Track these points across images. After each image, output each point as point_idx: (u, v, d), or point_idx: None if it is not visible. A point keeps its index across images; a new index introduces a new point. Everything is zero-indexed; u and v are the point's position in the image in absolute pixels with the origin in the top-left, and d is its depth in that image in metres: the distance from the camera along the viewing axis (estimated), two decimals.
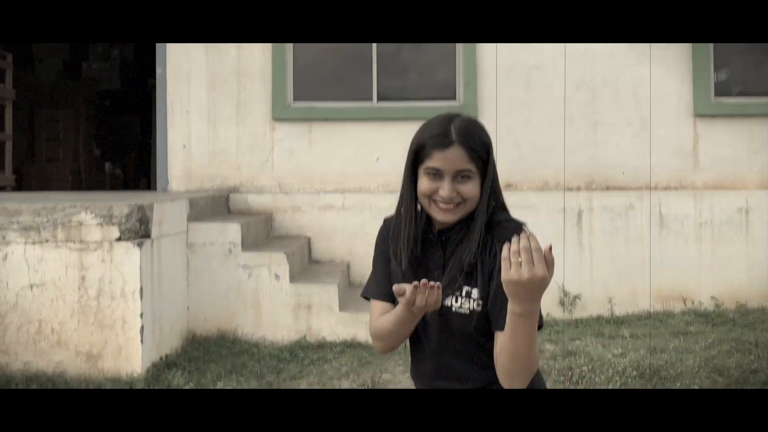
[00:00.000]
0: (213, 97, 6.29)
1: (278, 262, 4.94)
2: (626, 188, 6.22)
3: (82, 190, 8.62)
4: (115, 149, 10.62)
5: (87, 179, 9.37)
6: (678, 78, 6.24)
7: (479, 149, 1.54)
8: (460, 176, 1.51)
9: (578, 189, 6.21)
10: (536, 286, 1.34)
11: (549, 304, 6.05)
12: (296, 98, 6.29)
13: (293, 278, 5.00)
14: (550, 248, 1.34)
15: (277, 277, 4.93)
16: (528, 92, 6.24)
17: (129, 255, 4.07)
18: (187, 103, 6.29)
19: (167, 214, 4.55)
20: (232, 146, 6.29)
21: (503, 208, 1.65)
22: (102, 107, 10.43)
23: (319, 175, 6.21)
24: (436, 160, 1.52)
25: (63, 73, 10.50)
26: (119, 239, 4.09)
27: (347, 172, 6.21)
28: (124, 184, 10.31)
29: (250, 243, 5.20)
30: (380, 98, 6.25)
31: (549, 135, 6.23)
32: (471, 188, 1.52)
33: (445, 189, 1.48)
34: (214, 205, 5.75)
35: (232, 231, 4.95)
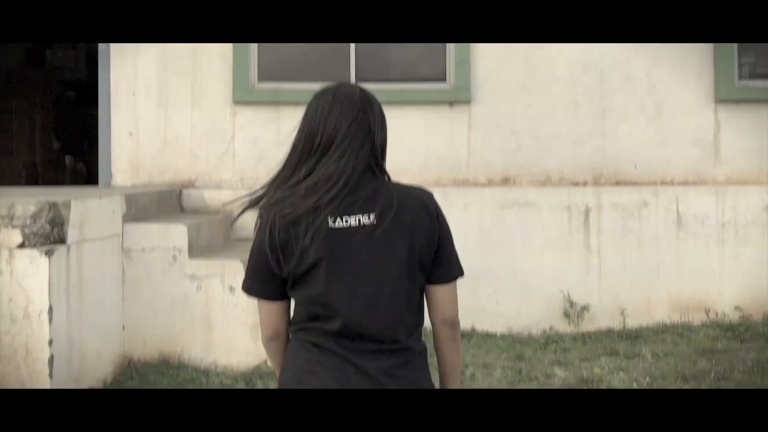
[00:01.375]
0: (164, 77, 5.36)
1: (233, 271, 4.05)
2: (639, 183, 5.42)
3: (38, 185, 7.67)
4: (77, 142, 9.68)
5: (44, 174, 8.41)
6: (697, 58, 5.43)
7: None
8: None
9: (585, 184, 5.39)
10: None
11: (553, 317, 5.22)
12: (261, 78, 5.39)
13: None
14: None
15: (231, 289, 4.04)
16: (528, 73, 5.40)
17: (35, 266, 3.15)
18: (134, 83, 5.36)
19: (92, 213, 3.64)
20: (187, 134, 5.37)
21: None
22: (63, 98, 9.51)
23: None
24: None
25: (25, 61, 9.60)
26: (22, 246, 3.17)
27: None
28: (87, 179, 9.37)
29: (201, 248, 4.31)
30: (359, 79, 5.37)
31: (552, 122, 5.40)
32: None
33: None
34: (163, 203, 4.85)
35: (176, 234, 4.05)
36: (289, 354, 1.43)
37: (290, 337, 1.46)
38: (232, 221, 1.71)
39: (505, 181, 5.36)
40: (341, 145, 1.42)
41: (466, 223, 5.27)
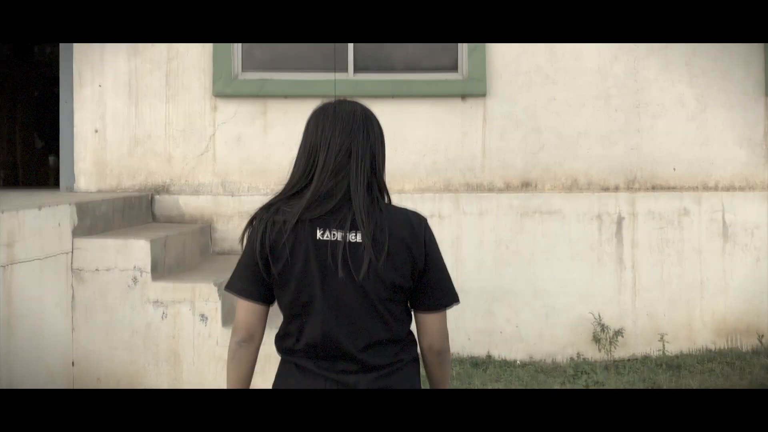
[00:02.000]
0: (135, 65, 4.67)
1: (206, 296, 3.36)
2: (678, 188, 4.72)
3: (17, 187, 6.97)
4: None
5: (25, 175, 7.68)
6: (744, 45, 4.74)
7: None
8: None
9: (617, 189, 4.69)
10: None
11: (581, 342, 4.53)
12: (246, 68, 4.70)
13: (229, 318, 3.43)
14: None
15: (203, 318, 3.35)
16: (552, 62, 4.70)
17: None
18: (101, 72, 4.67)
19: (27, 228, 2.95)
20: (160, 131, 4.69)
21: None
22: (49, 94, 8.82)
23: (276, 171, 4.64)
24: None
25: (10, 56, 8.91)
26: None
27: None
28: None
29: (170, 267, 3.62)
30: (358, 69, 4.69)
31: (579, 118, 4.70)
32: None
33: None
34: (130, 212, 4.16)
35: (137, 250, 3.35)
36: (277, 378, 1.46)
37: (280, 360, 1.47)
38: (241, 237, 1.54)
39: (526, 186, 4.66)
40: (341, 163, 1.42)
41: (481, 233, 4.57)
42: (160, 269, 3.48)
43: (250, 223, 1.43)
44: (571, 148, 4.68)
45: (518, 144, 4.67)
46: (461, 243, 4.55)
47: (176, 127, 4.67)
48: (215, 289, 3.35)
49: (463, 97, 4.65)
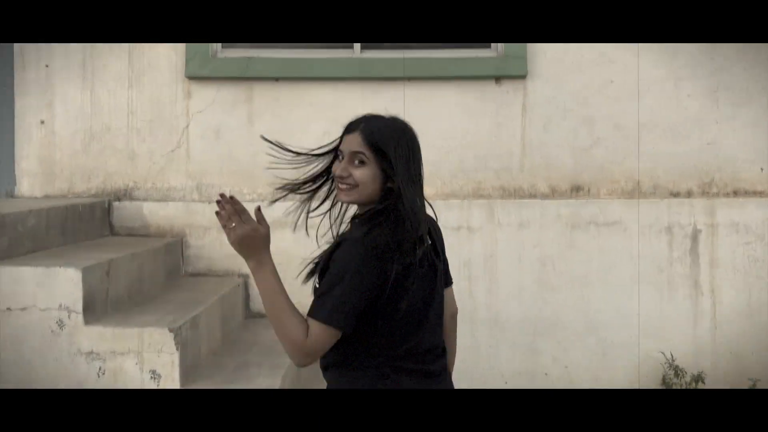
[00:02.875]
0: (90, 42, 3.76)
1: (158, 345, 2.44)
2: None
3: None
4: None
5: None
6: None
7: (377, 138, 1.44)
8: (356, 160, 1.45)
9: (690, 194, 3.74)
10: (246, 242, 1.41)
11: (647, 386, 3.59)
12: (226, 43, 3.79)
13: (191, 374, 2.51)
14: (258, 208, 1.43)
15: (154, 375, 2.43)
16: None
17: None
18: (48, 50, 3.76)
19: None
20: (122, 123, 3.77)
21: (412, 208, 1.40)
22: None
23: (264, 171, 3.73)
24: (342, 143, 1.51)
25: None
26: None
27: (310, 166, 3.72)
28: None
29: (118, 301, 2.71)
30: (366, 45, 3.76)
31: (642, 105, 3.74)
32: (362, 174, 1.44)
33: (338, 167, 1.48)
34: (78, 224, 3.25)
35: (64, 283, 2.44)
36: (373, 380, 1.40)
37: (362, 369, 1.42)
38: (363, 263, 1.33)
39: (576, 190, 3.72)
40: (418, 181, 1.50)
41: (521, 250, 3.63)
42: (100, 307, 2.57)
43: (382, 256, 1.32)
44: (632, 143, 3.73)
45: (566, 138, 3.72)
46: (496, 262, 3.61)
47: (141, 117, 3.75)
48: (171, 336, 2.43)
49: (498, 79, 3.71)
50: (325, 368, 1.46)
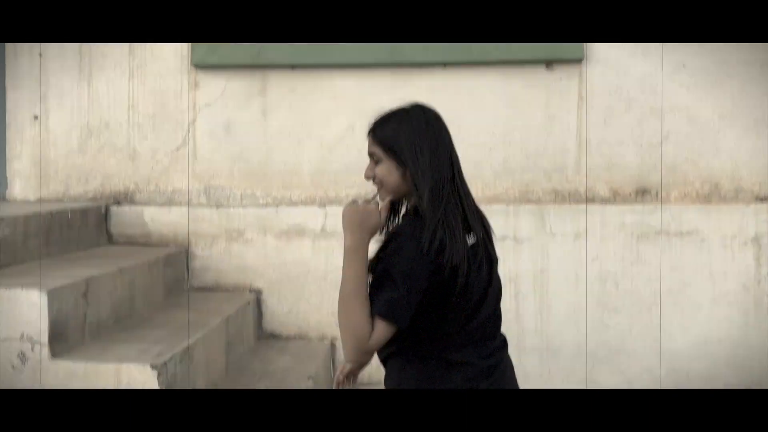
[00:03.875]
0: None
1: (136, 386, 1.99)
2: None
3: None
4: None
5: None
6: None
7: (379, 132, 1.44)
8: (373, 160, 1.44)
9: None
10: (364, 218, 1.34)
11: None
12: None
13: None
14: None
15: None
16: None
17: None
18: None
19: None
20: (122, 118, 3.36)
21: (431, 204, 1.34)
22: None
23: (280, 172, 3.27)
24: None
25: None
26: None
27: (334, 166, 3.25)
28: None
29: (99, 325, 2.26)
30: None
31: (721, 92, 3.17)
32: (380, 170, 1.43)
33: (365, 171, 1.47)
34: (67, 233, 2.83)
35: (26, 309, 2.01)
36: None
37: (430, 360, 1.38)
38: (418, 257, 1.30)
39: (643, 194, 3.16)
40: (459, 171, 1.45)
41: (578, 264, 3.09)
42: (75, 336, 2.13)
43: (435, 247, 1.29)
44: (709, 138, 3.15)
45: (631, 132, 3.15)
46: (548, 278, 3.07)
47: (143, 111, 3.33)
48: (153, 374, 1.97)
49: (549, 63, 3.17)
50: (384, 360, 1.42)
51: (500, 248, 3.14)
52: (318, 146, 3.23)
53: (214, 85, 3.27)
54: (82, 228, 2.99)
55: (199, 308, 2.82)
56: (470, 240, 1.35)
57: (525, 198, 3.16)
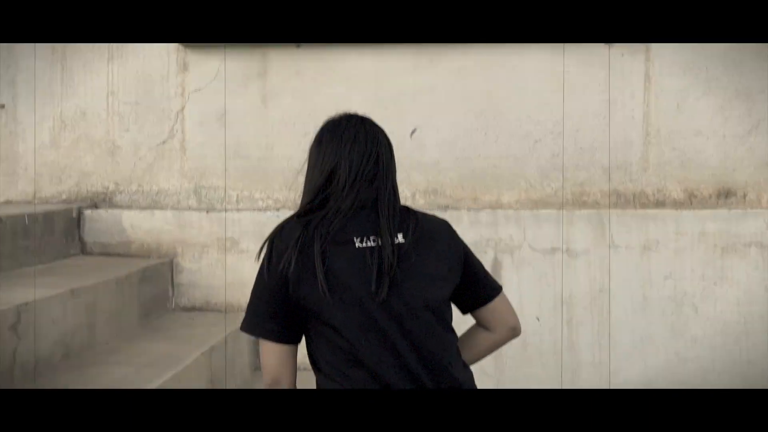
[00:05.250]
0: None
1: None
2: None
3: None
4: None
5: None
6: None
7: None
8: None
9: None
10: None
11: None
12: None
13: None
14: None
15: None
16: None
17: None
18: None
19: None
20: (100, 106, 2.85)
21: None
22: None
23: (284, 170, 2.72)
24: None
25: None
26: None
27: None
28: None
29: (40, 363, 1.74)
30: None
31: None
32: None
33: None
34: (23, 242, 2.33)
35: None
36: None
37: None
38: (265, 266, 1.11)
39: (726, 197, 2.53)
40: (371, 171, 1.19)
41: (646, 283, 2.47)
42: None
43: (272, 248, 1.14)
44: None
45: (710, 120, 2.54)
46: (609, 301, 2.47)
47: (123, 98, 2.81)
48: None
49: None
50: None
51: (548, 263, 2.58)
52: None
53: (206, 66, 2.74)
54: (46, 236, 2.48)
55: (181, 336, 2.29)
56: (365, 243, 1.12)
57: (579, 201, 2.56)
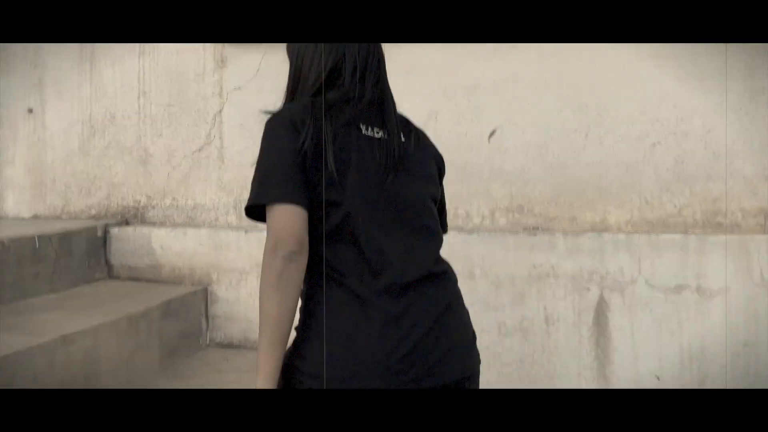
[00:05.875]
0: None
1: None
2: None
3: None
4: None
5: None
6: None
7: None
8: None
9: None
10: None
11: None
12: None
13: None
14: None
15: None
16: None
17: None
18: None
19: None
20: (131, 108, 2.51)
21: None
22: None
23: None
24: None
25: None
26: None
27: None
28: None
29: None
30: None
31: None
32: None
33: None
34: (30, 267, 1.99)
35: None
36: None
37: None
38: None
39: None
40: (368, 77, 1.11)
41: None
42: None
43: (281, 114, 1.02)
44: None
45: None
46: (759, 356, 1.85)
47: (156, 99, 2.45)
48: None
49: None
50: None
51: (673, 305, 1.82)
52: None
53: (247, 61, 2.33)
54: (62, 259, 2.14)
55: (210, 381, 1.88)
56: (369, 132, 1.04)
57: (713, 223, 1.96)
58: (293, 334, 0.97)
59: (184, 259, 2.31)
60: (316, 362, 0.92)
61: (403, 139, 1.07)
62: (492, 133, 2.12)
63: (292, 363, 0.95)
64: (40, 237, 2.03)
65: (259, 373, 0.92)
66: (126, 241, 2.35)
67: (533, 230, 2.03)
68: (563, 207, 2.04)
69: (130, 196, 2.47)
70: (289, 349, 0.95)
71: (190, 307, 2.18)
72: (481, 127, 2.12)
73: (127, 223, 2.45)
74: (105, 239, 2.36)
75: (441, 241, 1.07)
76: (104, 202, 2.50)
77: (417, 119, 2.09)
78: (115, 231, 2.36)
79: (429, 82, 2.15)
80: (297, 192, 0.96)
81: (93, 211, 2.51)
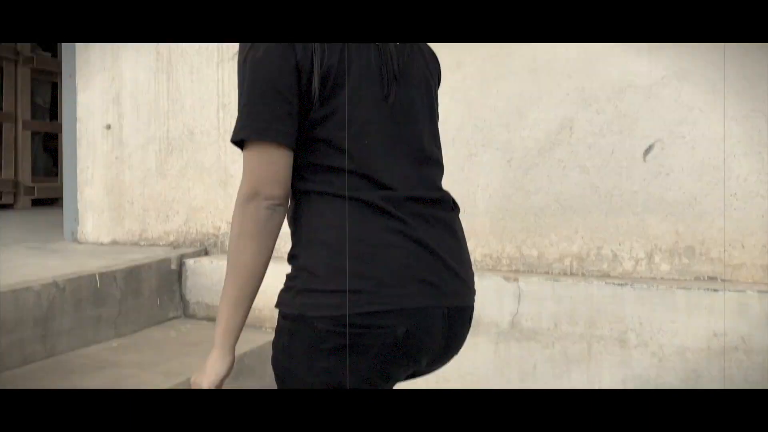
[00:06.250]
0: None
1: None
2: None
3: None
4: None
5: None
6: None
7: None
8: None
9: None
10: None
11: None
12: None
13: None
14: None
15: None
16: None
17: None
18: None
19: None
20: (209, 121, 2.22)
21: None
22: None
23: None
24: None
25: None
26: None
27: (532, 196, 1.75)
28: None
29: None
30: None
31: None
32: None
33: None
34: (100, 308, 1.75)
35: None
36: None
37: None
38: None
39: None
40: None
41: None
42: None
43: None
44: None
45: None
46: None
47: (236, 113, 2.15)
48: None
49: None
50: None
51: None
52: (503, 159, 1.74)
53: None
54: (129, 299, 1.88)
55: None
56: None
57: None
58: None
59: (264, 299, 1.98)
60: (335, 276, 0.80)
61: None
62: (648, 150, 1.61)
63: (303, 288, 0.83)
64: (101, 275, 1.77)
65: (218, 330, 0.85)
66: (202, 276, 2.07)
67: (711, 282, 1.50)
68: (756, 251, 1.50)
69: (210, 222, 2.19)
70: (289, 281, 0.87)
71: (267, 360, 1.86)
72: (632, 141, 1.61)
73: (206, 252, 2.17)
74: (180, 273, 2.08)
75: (443, 170, 0.96)
76: (182, 228, 2.24)
77: (546, 129, 1.61)
78: (190, 263, 2.08)
79: (560, 81, 1.67)
80: (290, 134, 0.85)
81: (171, 238, 2.26)
